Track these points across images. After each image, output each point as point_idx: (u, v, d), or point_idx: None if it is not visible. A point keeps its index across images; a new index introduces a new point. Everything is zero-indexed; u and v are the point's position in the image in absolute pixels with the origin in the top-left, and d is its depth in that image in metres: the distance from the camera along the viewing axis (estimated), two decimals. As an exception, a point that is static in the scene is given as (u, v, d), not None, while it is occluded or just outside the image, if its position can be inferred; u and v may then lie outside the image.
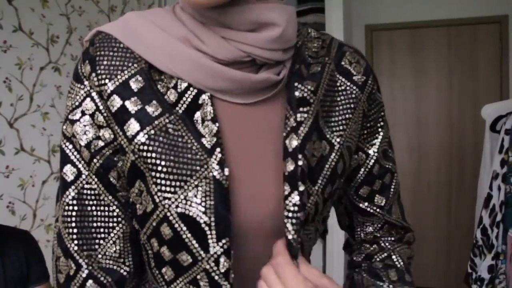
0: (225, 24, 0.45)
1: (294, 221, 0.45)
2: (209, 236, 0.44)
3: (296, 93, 0.48)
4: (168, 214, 0.44)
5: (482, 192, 1.92)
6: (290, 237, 0.45)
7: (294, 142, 0.46)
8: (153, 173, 0.44)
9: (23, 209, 1.87)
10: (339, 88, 0.52)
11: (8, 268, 1.09)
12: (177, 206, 0.44)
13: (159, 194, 0.44)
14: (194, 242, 0.44)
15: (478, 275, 1.71)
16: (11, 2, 1.82)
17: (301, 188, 0.45)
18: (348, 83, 0.52)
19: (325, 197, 0.50)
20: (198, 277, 0.46)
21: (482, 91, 3.08)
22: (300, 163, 0.45)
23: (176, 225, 0.44)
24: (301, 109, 0.48)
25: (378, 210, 0.58)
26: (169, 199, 0.44)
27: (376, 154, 0.57)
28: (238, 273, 0.47)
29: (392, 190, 0.59)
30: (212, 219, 0.43)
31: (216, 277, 0.45)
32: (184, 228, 0.44)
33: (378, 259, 0.57)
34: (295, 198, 0.45)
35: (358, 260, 0.59)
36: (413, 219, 3.28)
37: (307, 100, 0.48)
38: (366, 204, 0.58)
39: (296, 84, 0.49)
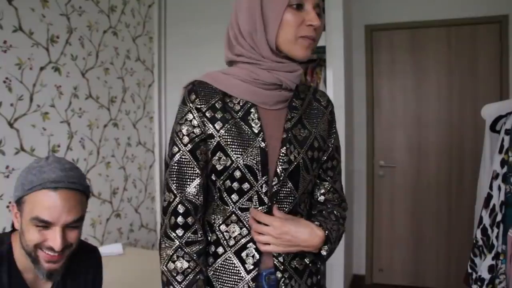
0: (280, 68, 0.90)
1: (282, 161, 0.89)
2: (258, 174, 0.87)
3: (293, 104, 0.95)
4: (239, 165, 0.86)
5: (482, 192, 1.92)
6: (278, 170, 0.89)
7: (288, 125, 0.92)
8: (231, 146, 0.86)
9: (23, 209, 1.87)
10: (314, 107, 1.01)
11: (76, 286, 1.07)
12: (243, 160, 0.86)
13: (234, 155, 0.86)
14: (251, 177, 0.87)
15: (478, 275, 1.71)
16: (11, 2, 1.82)
17: (287, 146, 0.90)
18: (318, 105, 1.02)
19: (309, 157, 0.94)
20: (252, 196, 0.89)
21: (482, 91, 3.08)
22: (289, 134, 0.92)
23: (243, 170, 0.87)
24: (293, 111, 0.95)
25: (328, 178, 1.03)
26: (239, 157, 0.86)
27: (332, 146, 1.03)
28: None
29: (337, 170, 1.05)
30: (259, 166, 0.87)
31: (262, 195, 0.88)
32: (246, 171, 0.87)
33: (324, 212, 1.00)
34: (283, 150, 0.90)
35: (314, 213, 1.01)
36: (413, 219, 3.28)
37: (297, 108, 0.96)
38: (322, 173, 1.02)
39: (293, 100, 0.96)
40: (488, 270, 1.67)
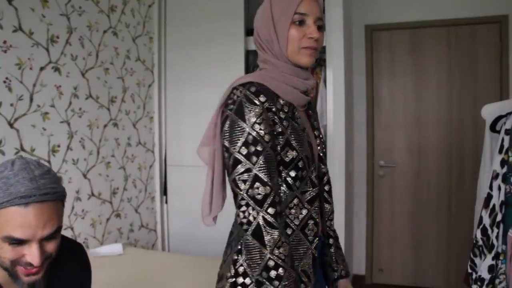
0: (301, 75, 1.10)
1: (319, 152, 1.19)
2: (310, 163, 1.08)
3: (311, 106, 1.21)
4: (302, 156, 1.04)
5: (481, 192, 1.92)
6: (318, 159, 1.18)
7: (315, 124, 1.20)
8: (295, 141, 1.03)
9: (23, 209, 1.87)
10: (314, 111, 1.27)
11: (64, 286, 1.03)
12: (303, 152, 1.04)
13: (298, 149, 1.04)
14: (307, 166, 1.06)
15: (478, 275, 1.71)
16: (11, 2, 1.82)
17: (318, 141, 1.20)
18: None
19: (324, 152, 1.23)
20: (308, 181, 1.07)
21: (482, 91, 3.08)
22: (315, 131, 1.20)
23: (304, 160, 1.05)
24: (315, 112, 1.25)
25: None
26: (301, 150, 1.04)
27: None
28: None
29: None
30: (309, 155, 1.07)
31: (313, 179, 1.09)
32: (306, 160, 1.06)
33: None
34: (318, 142, 1.19)
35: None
36: (413, 219, 3.28)
37: (314, 110, 1.25)
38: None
39: (310, 102, 1.19)
40: (488, 270, 1.67)
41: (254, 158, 0.95)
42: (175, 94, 2.92)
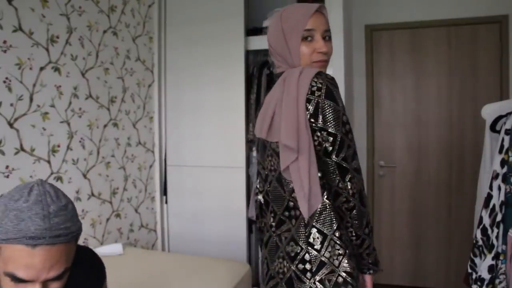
0: None
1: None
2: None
3: None
4: (356, 146, 1.13)
5: (481, 192, 1.92)
6: None
7: None
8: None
9: (23, 209, 1.87)
10: None
11: None
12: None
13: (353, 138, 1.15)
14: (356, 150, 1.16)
15: (478, 275, 1.71)
16: (11, 2, 1.82)
17: None
18: None
19: None
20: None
21: (482, 91, 3.08)
22: None
23: (356, 150, 1.14)
24: None
25: None
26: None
27: None
28: None
29: None
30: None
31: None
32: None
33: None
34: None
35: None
36: (413, 219, 3.28)
37: None
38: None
39: None
40: (488, 270, 1.67)
41: (350, 135, 1.10)
42: (175, 94, 2.92)
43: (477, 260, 1.77)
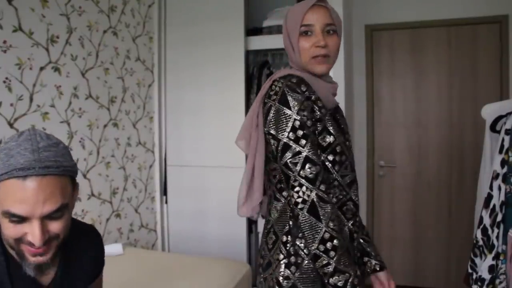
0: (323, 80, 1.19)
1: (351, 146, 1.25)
2: (348, 150, 1.19)
3: (336, 108, 1.25)
4: (339, 141, 1.12)
5: (481, 192, 1.92)
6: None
7: (343, 122, 1.25)
8: (331, 127, 1.12)
9: (23, 209, 1.87)
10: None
11: (80, 270, 1.01)
12: (339, 138, 1.13)
13: (335, 133, 1.11)
14: (346, 151, 1.15)
15: (478, 275, 1.71)
16: (11, 2, 1.82)
17: (347, 136, 1.23)
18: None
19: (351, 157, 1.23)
20: (347, 166, 1.16)
21: (482, 91, 3.08)
22: (344, 128, 1.24)
23: (341, 145, 1.13)
24: (340, 112, 1.27)
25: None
26: (337, 137, 1.12)
27: None
28: None
29: None
30: (342, 142, 1.16)
31: (351, 165, 1.19)
32: (343, 146, 1.14)
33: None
34: (347, 137, 1.23)
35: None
36: (413, 219, 3.28)
37: (342, 114, 1.27)
38: None
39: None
40: (488, 270, 1.67)
41: (303, 141, 1.04)
42: (175, 94, 2.92)
43: (477, 260, 1.77)
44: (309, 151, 1.03)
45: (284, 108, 1.05)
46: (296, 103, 1.05)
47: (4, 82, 1.80)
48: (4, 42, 1.79)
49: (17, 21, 1.85)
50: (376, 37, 3.30)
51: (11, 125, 1.83)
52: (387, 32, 3.28)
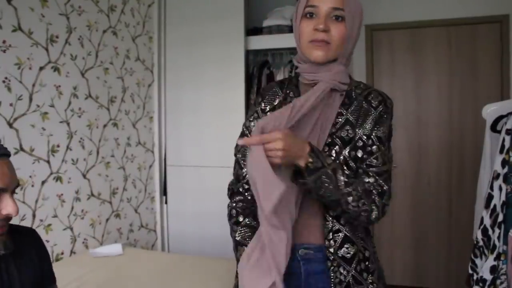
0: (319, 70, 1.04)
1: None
2: None
3: (339, 110, 1.04)
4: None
5: (481, 192, 1.91)
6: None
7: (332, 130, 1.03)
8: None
9: (23, 209, 1.87)
10: (363, 108, 1.04)
11: (23, 269, 1.04)
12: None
13: None
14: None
15: (479, 276, 1.70)
16: (11, 2, 1.81)
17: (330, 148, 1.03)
18: (368, 106, 1.04)
19: (350, 156, 1.00)
20: None
21: (482, 91, 3.08)
22: (334, 138, 1.01)
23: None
24: (339, 117, 1.04)
25: (371, 168, 1.01)
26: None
27: (371, 136, 1.03)
28: None
29: (378, 159, 1.03)
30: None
31: None
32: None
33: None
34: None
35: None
36: (413, 219, 3.28)
37: (342, 113, 1.04)
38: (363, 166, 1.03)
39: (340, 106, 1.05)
40: (490, 271, 1.66)
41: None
42: (175, 94, 2.92)
43: (477, 261, 1.76)
44: (239, 152, 1.22)
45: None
46: (256, 105, 1.13)
47: (4, 82, 1.79)
48: (4, 41, 1.79)
49: (17, 21, 1.85)
50: (376, 37, 3.30)
51: (10, 125, 1.83)
52: (387, 32, 3.27)
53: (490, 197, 1.71)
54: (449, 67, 3.16)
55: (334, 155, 0.99)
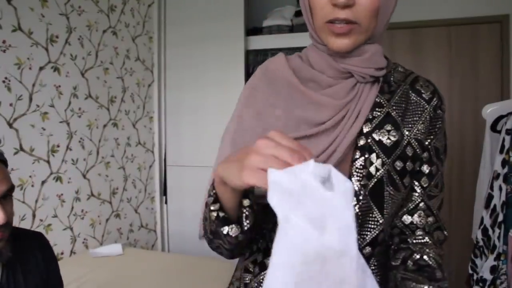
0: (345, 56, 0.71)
1: (357, 177, 0.68)
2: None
3: (376, 100, 0.72)
4: None
5: (481, 192, 1.91)
6: (354, 186, 0.67)
7: (366, 129, 0.70)
8: None
9: (23, 209, 1.87)
10: (411, 100, 0.74)
11: (28, 275, 1.02)
12: None
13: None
14: None
15: (480, 276, 1.70)
16: (11, 2, 1.81)
17: (366, 155, 0.69)
18: (418, 98, 0.74)
19: (396, 169, 0.69)
20: None
21: (482, 91, 3.07)
22: (369, 140, 0.69)
23: None
24: (376, 109, 0.72)
25: (420, 190, 0.74)
26: None
27: (429, 147, 0.75)
28: None
29: (433, 180, 0.76)
30: None
31: None
32: None
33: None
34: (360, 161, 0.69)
35: (394, 264, 0.75)
36: (413, 219, 3.27)
37: (381, 104, 0.72)
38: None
39: (378, 94, 0.73)
40: (490, 271, 1.66)
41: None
42: (175, 94, 2.92)
43: (477, 261, 1.76)
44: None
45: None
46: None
47: (4, 82, 1.79)
48: (4, 41, 1.79)
49: (17, 21, 1.85)
50: (376, 37, 3.30)
51: (10, 125, 1.83)
52: (387, 32, 3.25)
53: (490, 197, 1.71)
54: (449, 67, 3.16)
55: (369, 166, 0.68)
